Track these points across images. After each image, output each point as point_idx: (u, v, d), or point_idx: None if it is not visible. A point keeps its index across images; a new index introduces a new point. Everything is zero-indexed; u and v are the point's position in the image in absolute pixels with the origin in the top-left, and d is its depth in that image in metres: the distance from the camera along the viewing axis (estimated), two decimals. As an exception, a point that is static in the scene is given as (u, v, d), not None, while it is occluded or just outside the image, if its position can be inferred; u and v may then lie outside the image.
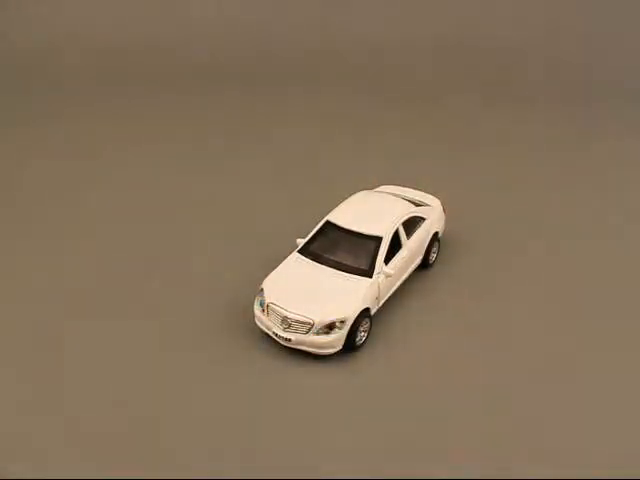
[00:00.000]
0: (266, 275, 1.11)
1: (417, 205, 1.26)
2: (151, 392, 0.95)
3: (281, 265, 1.06)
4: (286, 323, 0.86)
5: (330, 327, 0.81)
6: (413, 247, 1.19)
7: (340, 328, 0.79)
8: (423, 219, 1.04)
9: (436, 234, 1.06)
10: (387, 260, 1.07)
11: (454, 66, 1.77)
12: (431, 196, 1.32)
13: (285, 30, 2.23)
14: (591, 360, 0.90)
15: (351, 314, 0.79)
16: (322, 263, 0.94)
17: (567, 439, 0.71)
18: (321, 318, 0.79)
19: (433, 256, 1.03)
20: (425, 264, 1.12)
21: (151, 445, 0.85)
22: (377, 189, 1.33)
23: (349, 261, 0.91)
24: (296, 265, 0.97)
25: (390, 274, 0.92)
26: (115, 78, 2.35)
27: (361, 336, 0.84)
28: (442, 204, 1.24)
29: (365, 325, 0.85)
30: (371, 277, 0.85)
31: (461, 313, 1.07)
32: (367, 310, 0.87)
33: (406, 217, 1.36)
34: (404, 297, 1.13)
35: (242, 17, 2.44)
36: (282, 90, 2.12)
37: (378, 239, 0.92)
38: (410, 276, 1.19)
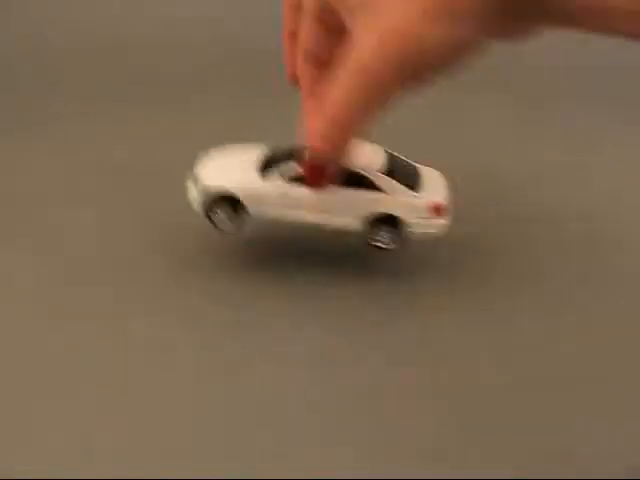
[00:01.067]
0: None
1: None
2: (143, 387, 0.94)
3: (233, 146, 0.98)
4: (194, 178, 0.86)
5: (203, 190, 0.79)
6: (343, 196, 1.06)
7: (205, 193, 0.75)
8: (377, 189, 0.91)
9: (395, 220, 0.93)
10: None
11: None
12: (442, 190, 1.10)
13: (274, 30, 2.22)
14: (597, 364, 0.87)
15: (214, 185, 0.74)
16: (261, 159, 0.92)
17: (567, 440, 0.69)
18: (203, 179, 0.78)
19: (382, 240, 0.90)
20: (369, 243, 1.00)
21: (148, 445, 0.84)
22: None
23: (272, 165, 0.86)
24: (240, 149, 0.94)
25: (284, 190, 0.84)
26: (115, 79, 2.35)
27: (219, 218, 0.77)
28: (436, 204, 1.05)
29: (229, 212, 0.78)
30: (264, 178, 0.81)
31: (459, 312, 1.05)
32: (233, 199, 0.80)
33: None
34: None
35: (240, 16, 2.44)
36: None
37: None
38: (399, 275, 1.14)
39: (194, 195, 0.66)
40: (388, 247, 0.58)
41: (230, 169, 0.64)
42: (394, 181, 0.58)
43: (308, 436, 0.45)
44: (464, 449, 0.40)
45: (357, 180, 0.53)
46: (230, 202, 0.63)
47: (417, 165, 0.63)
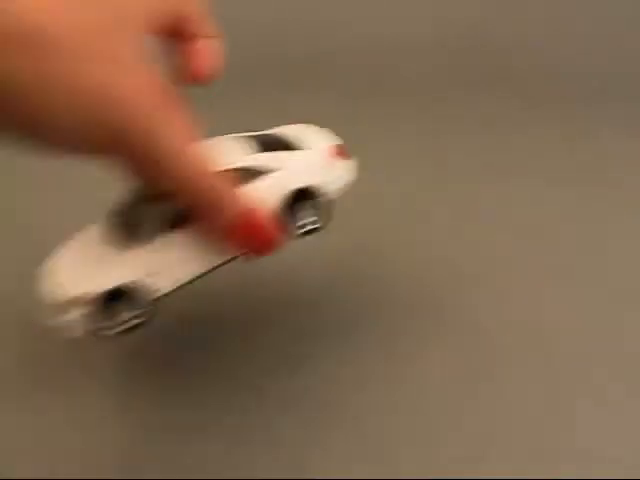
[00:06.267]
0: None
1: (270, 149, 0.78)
2: None
3: (73, 237, 0.69)
4: (48, 299, 0.56)
5: (68, 306, 0.52)
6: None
7: (78, 308, 0.51)
8: (268, 171, 0.67)
9: (307, 191, 0.68)
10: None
11: (449, 65, 1.71)
12: (326, 134, 0.80)
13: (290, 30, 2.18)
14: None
15: (91, 291, 0.51)
16: (115, 230, 0.64)
17: (566, 439, 0.68)
18: (60, 294, 0.51)
19: (308, 222, 0.66)
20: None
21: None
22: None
23: (135, 228, 0.59)
24: (84, 237, 0.64)
25: (166, 246, 0.58)
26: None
27: (124, 321, 0.54)
28: (333, 147, 0.75)
29: (134, 308, 0.54)
30: (141, 248, 0.55)
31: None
32: (129, 288, 0.55)
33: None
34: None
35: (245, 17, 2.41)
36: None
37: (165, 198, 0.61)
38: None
39: (61, 320, 0.36)
40: (318, 225, 0.41)
41: (95, 262, 0.36)
42: (279, 153, 0.41)
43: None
44: (462, 449, 0.40)
45: (243, 178, 0.37)
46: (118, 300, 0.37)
47: (273, 130, 0.46)
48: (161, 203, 0.36)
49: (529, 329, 0.50)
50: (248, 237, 0.35)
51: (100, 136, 0.27)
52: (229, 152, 0.37)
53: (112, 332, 0.36)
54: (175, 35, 0.33)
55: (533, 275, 0.57)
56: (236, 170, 0.37)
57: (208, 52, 0.36)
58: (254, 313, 0.54)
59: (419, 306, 0.55)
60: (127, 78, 0.27)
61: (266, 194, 0.38)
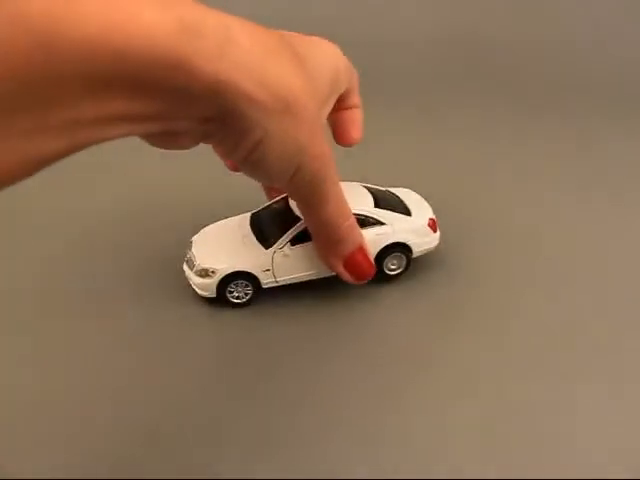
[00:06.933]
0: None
1: (386, 208, 0.93)
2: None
3: (221, 221, 0.87)
4: (190, 262, 0.74)
5: (205, 272, 0.69)
6: None
7: (211, 277, 0.67)
8: (379, 223, 0.78)
9: (402, 246, 0.79)
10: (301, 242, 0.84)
11: (452, 64, 1.68)
12: (426, 205, 0.93)
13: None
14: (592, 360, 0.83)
15: (222, 268, 0.67)
16: (252, 229, 0.79)
17: (567, 438, 0.66)
18: (200, 262, 0.68)
19: (392, 268, 0.78)
20: (382, 275, 0.85)
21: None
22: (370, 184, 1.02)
23: (266, 232, 0.75)
24: (230, 224, 0.81)
25: (286, 254, 0.73)
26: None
27: (238, 295, 0.69)
28: (431, 220, 0.86)
29: (246, 288, 0.69)
30: (266, 249, 0.71)
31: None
32: (248, 275, 0.71)
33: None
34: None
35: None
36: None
37: (297, 219, 0.75)
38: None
39: (196, 281, 0.54)
40: (396, 273, 0.55)
41: (230, 246, 0.56)
42: (391, 212, 0.55)
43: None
44: (462, 447, 0.40)
45: (360, 223, 0.50)
46: (238, 279, 0.53)
47: (391, 189, 0.59)
48: (289, 224, 0.53)
49: (530, 332, 0.50)
50: (357, 266, 0.46)
51: (290, 168, 0.36)
52: (351, 198, 0.46)
53: (228, 300, 0.53)
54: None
55: (533, 277, 0.56)
56: (356, 215, 0.48)
57: (357, 120, 0.45)
58: (257, 314, 0.54)
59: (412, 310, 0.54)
60: (321, 135, 0.36)
61: (373, 240, 0.51)
